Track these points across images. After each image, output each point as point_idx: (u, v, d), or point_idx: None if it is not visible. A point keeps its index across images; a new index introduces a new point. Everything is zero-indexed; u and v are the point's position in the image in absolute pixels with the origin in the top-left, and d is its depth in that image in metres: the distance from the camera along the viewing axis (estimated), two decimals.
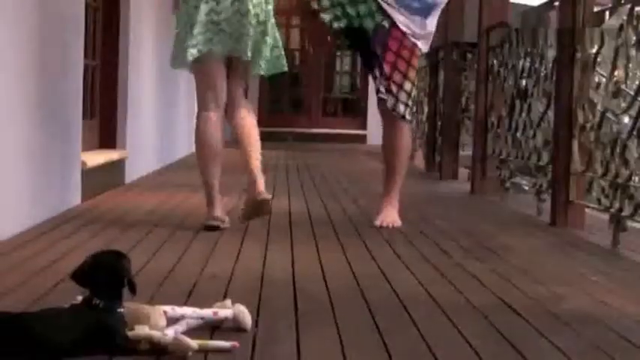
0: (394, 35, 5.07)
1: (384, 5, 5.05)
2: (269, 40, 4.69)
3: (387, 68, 5.08)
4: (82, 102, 5.65)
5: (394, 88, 5.11)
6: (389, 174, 5.22)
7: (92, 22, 6.49)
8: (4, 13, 4.11)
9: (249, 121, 4.72)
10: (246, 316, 2.64)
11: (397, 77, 5.09)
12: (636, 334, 2.75)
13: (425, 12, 5.10)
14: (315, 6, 5.17)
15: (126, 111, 7.03)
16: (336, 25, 5.14)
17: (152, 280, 3.29)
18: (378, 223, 5.05)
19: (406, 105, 5.13)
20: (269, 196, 4.62)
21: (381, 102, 5.16)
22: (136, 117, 7.37)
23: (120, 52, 6.96)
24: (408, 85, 5.12)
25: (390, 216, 5.10)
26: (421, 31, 5.10)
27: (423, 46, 5.17)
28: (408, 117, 5.20)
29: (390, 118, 5.16)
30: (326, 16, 5.13)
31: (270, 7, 4.71)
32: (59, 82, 5.10)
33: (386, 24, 5.06)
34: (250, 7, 4.57)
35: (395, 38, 5.07)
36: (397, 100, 5.11)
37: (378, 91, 5.14)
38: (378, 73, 5.11)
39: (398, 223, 5.07)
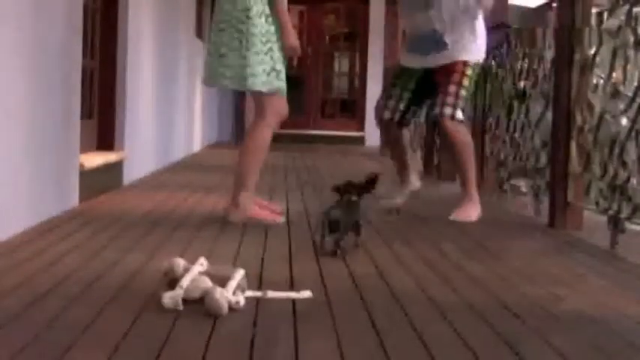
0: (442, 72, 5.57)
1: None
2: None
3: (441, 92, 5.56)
4: (80, 103, 5.65)
5: (442, 97, 5.52)
6: (458, 170, 5.65)
7: (91, 22, 6.49)
8: (3, 13, 4.11)
9: (246, 140, 5.09)
10: (220, 301, 2.74)
11: (443, 87, 5.55)
12: (636, 336, 2.75)
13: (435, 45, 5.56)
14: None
15: (124, 112, 7.03)
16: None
17: (152, 279, 3.29)
18: (451, 217, 5.40)
19: (453, 106, 5.45)
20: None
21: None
22: (134, 118, 7.37)
23: (119, 53, 6.95)
24: (452, 88, 5.48)
25: (466, 211, 5.44)
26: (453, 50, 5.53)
27: (469, 57, 5.53)
28: (457, 115, 5.47)
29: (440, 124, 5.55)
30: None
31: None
32: (57, 83, 5.10)
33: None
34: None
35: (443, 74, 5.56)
36: (443, 104, 5.48)
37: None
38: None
39: (471, 218, 5.40)
